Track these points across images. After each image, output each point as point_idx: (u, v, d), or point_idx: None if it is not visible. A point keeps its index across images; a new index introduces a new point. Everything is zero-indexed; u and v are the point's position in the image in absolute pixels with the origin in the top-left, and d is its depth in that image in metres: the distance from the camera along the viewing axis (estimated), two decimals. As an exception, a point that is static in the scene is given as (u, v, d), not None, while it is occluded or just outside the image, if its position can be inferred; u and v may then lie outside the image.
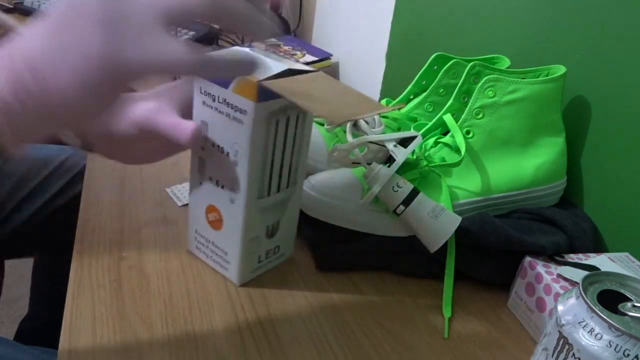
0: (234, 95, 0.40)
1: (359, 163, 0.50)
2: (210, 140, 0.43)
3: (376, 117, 0.59)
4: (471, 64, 0.57)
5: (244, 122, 0.40)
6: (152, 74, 0.31)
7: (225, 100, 0.41)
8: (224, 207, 0.45)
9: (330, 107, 0.38)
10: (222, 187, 0.44)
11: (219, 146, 0.43)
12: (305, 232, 0.54)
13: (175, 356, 0.39)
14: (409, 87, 0.66)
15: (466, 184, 0.53)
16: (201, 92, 0.42)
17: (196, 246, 0.49)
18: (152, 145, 0.46)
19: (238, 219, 0.44)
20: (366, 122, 0.56)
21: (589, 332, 0.31)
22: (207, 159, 0.44)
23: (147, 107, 0.43)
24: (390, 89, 1.03)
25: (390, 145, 0.48)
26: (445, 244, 0.48)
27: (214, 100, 0.41)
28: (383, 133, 0.59)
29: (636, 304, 0.32)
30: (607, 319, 0.30)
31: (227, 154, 0.42)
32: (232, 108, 0.40)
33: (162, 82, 0.46)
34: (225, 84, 0.40)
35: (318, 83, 0.41)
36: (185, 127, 0.41)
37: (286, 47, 1.21)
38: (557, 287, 0.44)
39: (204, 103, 0.42)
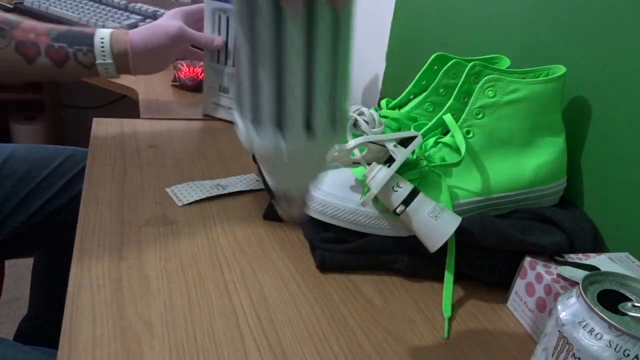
0: None
1: (359, 163, 0.50)
2: None
3: (376, 117, 0.58)
4: (471, 64, 0.57)
5: None
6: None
7: None
8: None
9: None
10: None
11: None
12: (305, 232, 0.54)
13: (175, 356, 0.39)
14: (409, 87, 0.66)
15: (466, 184, 0.53)
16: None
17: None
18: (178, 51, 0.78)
19: None
20: (366, 122, 0.56)
21: (589, 332, 0.31)
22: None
23: (178, 24, 0.75)
24: (390, 89, 1.03)
25: (390, 145, 0.48)
26: (445, 244, 0.48)
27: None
28: (383, 133, 0.59)
29: (636, 304, 0.32)
30: (607, 319, 0.30)
31: None
32: None
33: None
34: None
35: None
36: (215, 38, 0.78)
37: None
38: (557, 287, 0.44)
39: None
